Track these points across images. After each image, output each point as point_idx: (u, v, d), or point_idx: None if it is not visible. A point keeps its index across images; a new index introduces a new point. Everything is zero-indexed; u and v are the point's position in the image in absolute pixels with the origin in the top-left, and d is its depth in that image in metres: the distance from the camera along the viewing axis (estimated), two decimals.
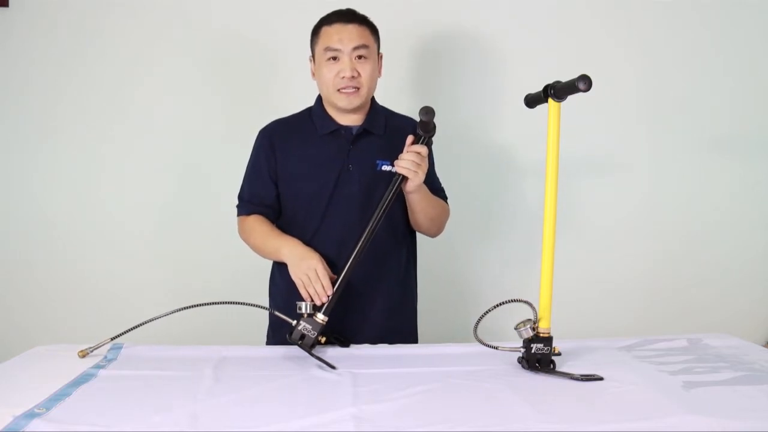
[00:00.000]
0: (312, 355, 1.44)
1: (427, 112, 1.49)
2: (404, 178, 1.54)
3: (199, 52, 2.21)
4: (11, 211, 2.23)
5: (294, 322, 1.47)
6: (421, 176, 1.54)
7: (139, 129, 2.23)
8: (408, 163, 1.52)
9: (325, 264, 1.56)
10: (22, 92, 2.20)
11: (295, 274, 1.56)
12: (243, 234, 1.74)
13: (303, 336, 1.46)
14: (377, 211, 1.53)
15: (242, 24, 2.21)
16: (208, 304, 1.50)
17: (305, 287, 1.54)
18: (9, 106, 2.20)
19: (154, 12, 2.19)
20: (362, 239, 1.52)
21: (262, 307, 1.57)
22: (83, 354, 1.46)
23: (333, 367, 1.40)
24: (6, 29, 2.16)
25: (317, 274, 1.53)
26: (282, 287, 1.72)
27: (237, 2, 2.20)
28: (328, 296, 1.51)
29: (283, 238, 1.65)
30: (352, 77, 1.61)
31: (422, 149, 1.53)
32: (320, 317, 1.47)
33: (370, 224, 1.52)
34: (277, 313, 1.51)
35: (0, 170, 2.23)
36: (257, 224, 1.70)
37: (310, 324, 1.46)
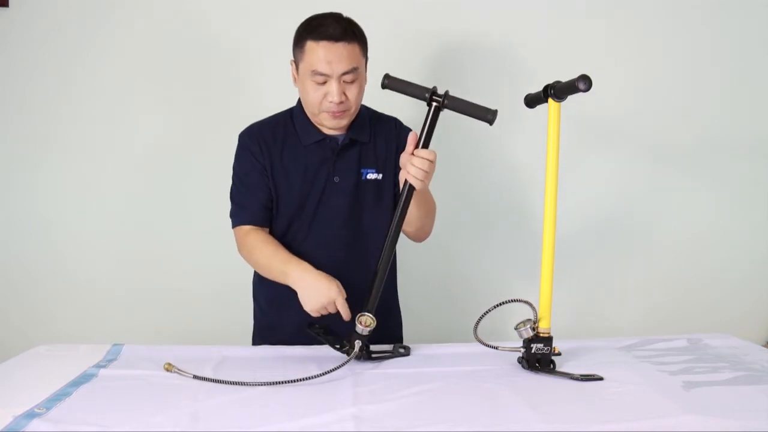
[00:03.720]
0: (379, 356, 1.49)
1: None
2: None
3: (201, 54, 2.20)
4: (10, 213, 2.23)
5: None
6: (429, 182, 1.46)
7: (140, 130, 2.22)
8: (418, 172, 1.41)
9: (344, 292, 1.47)
10: (21, 93, 2.19)
11: (312, 307, 1.47)
12: (243, 250, 1.63)
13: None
14: (393, 224, 1.45)
15: (233, 28, 2.20)
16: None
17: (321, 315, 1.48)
18: (8, 106, 2.20)
19: (154, 12, 2.18)
20: (383, 256, 1.46)
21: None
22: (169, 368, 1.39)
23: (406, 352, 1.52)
24: (6, 29, 2.16)
25: (336, 306, 1.46)
26: (265, 294, 1.72)
27: (228, 8, 2.19)
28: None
29: (290, 264, 1.53)
30: (340, 102, 1.53)
31: (432, 155, 1.42)
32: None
33: (388, 241, 1.46)
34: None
35: None
36: (260, 243, 1.59)
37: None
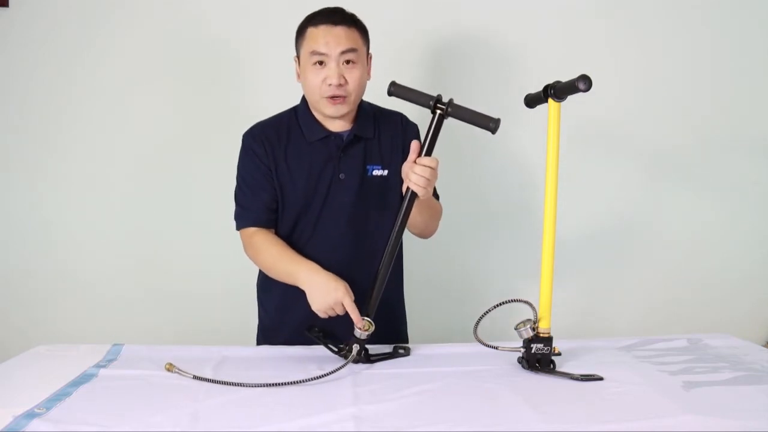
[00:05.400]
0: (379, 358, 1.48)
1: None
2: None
3: (201, 53, 2.20)
4: (10, 213, 2.23)
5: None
6: (431, 190, 1.46)
7: (140, 130, 2.22)
8: (420, 179, 1.41)
9: (351, 293, 1.46)
10: (21, 93, 2.19)
11: (319, 307, 1.47)
12: (250, 251, 1.63)
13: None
14: (394, 232, 1.45)
15: (234, 28, 2.20)
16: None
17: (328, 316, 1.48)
18: (8, 106, 2.20)
19: (154, 12, 2.18)
20: (383, 262, 1.46)
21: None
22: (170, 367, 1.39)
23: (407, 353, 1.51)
24: (6, 29, 2.16)
25: (344, 308, 1.45)
26: (272, 301, 1.71)
27: (229, 7, 2.19)
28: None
29: (298, 264, 1.54)
30: (340, 85, 1.52)
31: (434, 162, 1.43)
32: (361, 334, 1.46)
33: (389, 246, 1.45)
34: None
35: None
36: (266, 245, 1.59)
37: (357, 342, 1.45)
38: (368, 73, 1.62)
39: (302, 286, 1.51)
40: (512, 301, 1.42)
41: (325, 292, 1.47)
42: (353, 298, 1.46)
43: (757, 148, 2.36)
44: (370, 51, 1.63)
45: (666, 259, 2.38)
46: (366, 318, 1.45)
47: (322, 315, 1.48)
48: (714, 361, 1.48)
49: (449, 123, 1.45)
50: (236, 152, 1.67)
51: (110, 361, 1.45)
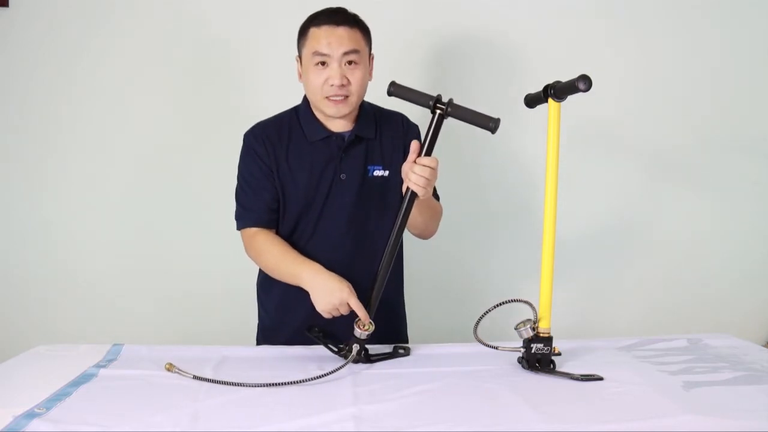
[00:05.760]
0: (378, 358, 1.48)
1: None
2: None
3: (202, 53, 2.21)
4: (10, 213, 2.23)
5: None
6: (431, 189, 1.47)
7: (140, 130, 2.22)
8: (420, 179, 1.41)
9: (354, 292, 1.47)
10: (21, 93, 2.19)
11: (324, 308, 1.47)
12: (251, 252, 1.63)
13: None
14: (394, 232, 1.45)
15: (234, 28, 2.20)
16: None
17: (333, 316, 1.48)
18: (8, 106, 2.20)
19: (154, 12, 2.18)
20: (383, 263, 1.46)
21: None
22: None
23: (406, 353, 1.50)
24: (6, 29, 2.16)
25: (349, 308, 1.45)
26: (272, 301, 1.71)
27: (229, 7, 2.19)
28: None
29: (301, 265, 1.54)
30: (342, 85, 1.53)
31: (434, 162, 1.43)
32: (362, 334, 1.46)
33: (389, 246, 1.45)
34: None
35: None
36: (268, 245, 1.59)
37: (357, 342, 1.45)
38: (370, 74, 1.62)
39: (306, 287, 1.51)
40: (512, 301, 1.42)
41: (329, 293, 1.47)
42: (356, 297, 1.47)
43: (757, 148, 2.36)
44: (372, 51, 1.63)
45: (666, 259, 2.38)
46: None
47: (326, 315, 1.48)
48: (714, 361, 1.48)
49: (449, 123, 1.45)
50: (236, 152, 1.67)
51: (110, 361, 1.45)
